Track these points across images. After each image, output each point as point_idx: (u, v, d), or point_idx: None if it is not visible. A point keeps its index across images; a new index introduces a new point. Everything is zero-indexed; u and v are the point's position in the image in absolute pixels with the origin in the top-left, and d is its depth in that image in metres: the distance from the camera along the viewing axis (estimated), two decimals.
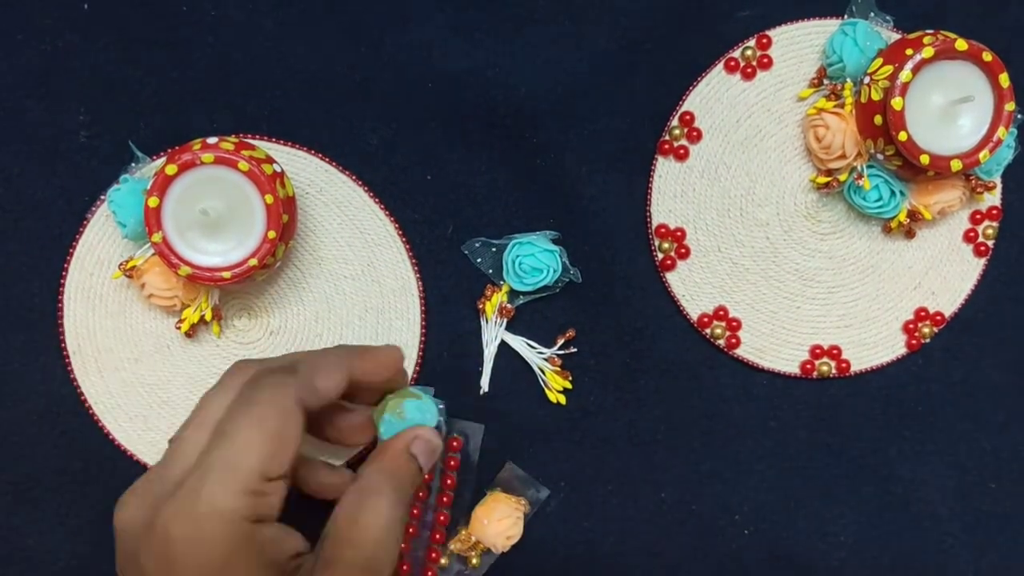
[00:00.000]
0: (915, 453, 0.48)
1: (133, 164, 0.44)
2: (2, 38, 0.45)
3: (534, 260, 0.45)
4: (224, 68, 0.45)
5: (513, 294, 0.46)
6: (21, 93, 0.45)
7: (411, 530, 0.45)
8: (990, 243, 0.47)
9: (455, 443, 0.46)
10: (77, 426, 0.45)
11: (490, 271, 0.46)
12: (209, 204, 0.40)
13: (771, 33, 0.45)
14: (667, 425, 0.47)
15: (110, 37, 0.45)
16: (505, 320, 0.46)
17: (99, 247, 0.44)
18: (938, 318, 0.47)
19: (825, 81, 0.45)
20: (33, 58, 0.45)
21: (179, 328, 0.44)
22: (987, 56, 0.42)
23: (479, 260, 0.46)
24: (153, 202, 0.40)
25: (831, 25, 0.45)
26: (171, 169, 0.40)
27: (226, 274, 0.41)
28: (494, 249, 0.46)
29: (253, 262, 0.41)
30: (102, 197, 0.44)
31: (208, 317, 0.44)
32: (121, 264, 0.43)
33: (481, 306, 0.46)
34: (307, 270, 0.45)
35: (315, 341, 0.45)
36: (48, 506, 0.45)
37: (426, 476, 0.42)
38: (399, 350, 0.40)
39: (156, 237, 0.40)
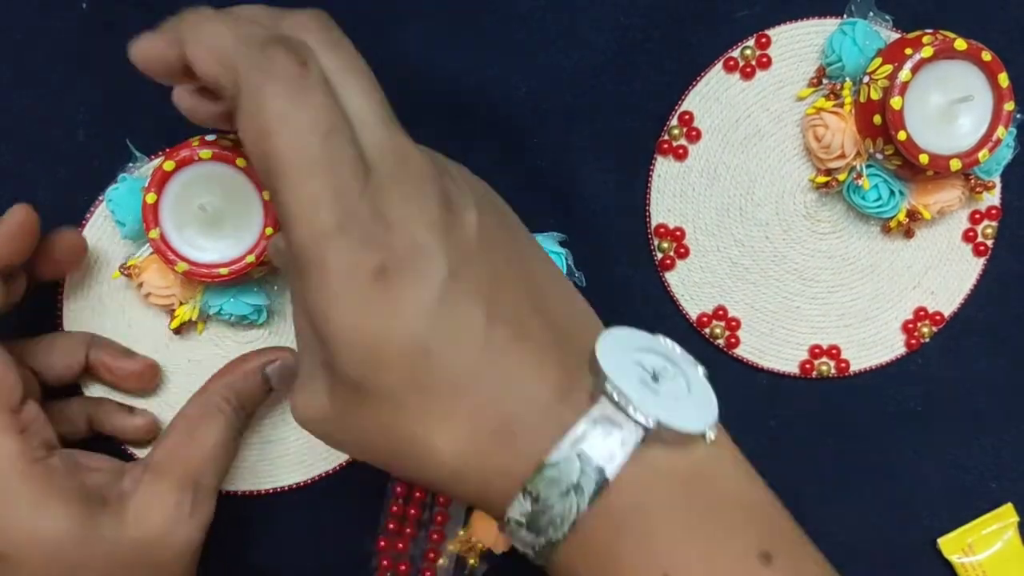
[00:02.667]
0: (914, 452, 0.48)
1: (131, 163, 0.43)
2: (1, 38, 0.44)
3: None
4: None
5: None
6: (19, 93, 0.45)
7: (409, 530, 0.45)
8: (989, 243, 0.47)
9: None
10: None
11: None
12: (207, 200, 0.40)
13: (770, 32, 0.45)
14: None
15: (109, 36, 0.45)
16: None
17: (98, 247, 0.44)
18: (937, 317, 0.47)
19: (824, 80, 0.45)
20: (31, 58, 0.45)
21: (170, 326, 0.44)
22: (986, 56, 0.42)
23: None
24: (151, 198, 0.40)
25: (830, 25, 0.45)
26: (169, 165, 0.40)
27: (223, 271, 0.41)
28: None
29: (251, 259, 0.41)
30: (101, 197, 0.44)
31: (194, 316, 0.43)
32: (121, 265, 0.43)
33: None
34: None
35: None
36: None
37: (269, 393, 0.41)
38: (24, 209, 0.38)
39: (153, 233, 0.40)
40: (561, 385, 0.29)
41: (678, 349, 0.32)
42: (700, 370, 0.32)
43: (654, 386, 0.30)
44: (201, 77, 0.30)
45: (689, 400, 0.30)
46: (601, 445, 0.28)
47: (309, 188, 0.28)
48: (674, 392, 0.30)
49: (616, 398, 0.28)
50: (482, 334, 0.29)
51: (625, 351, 0.31)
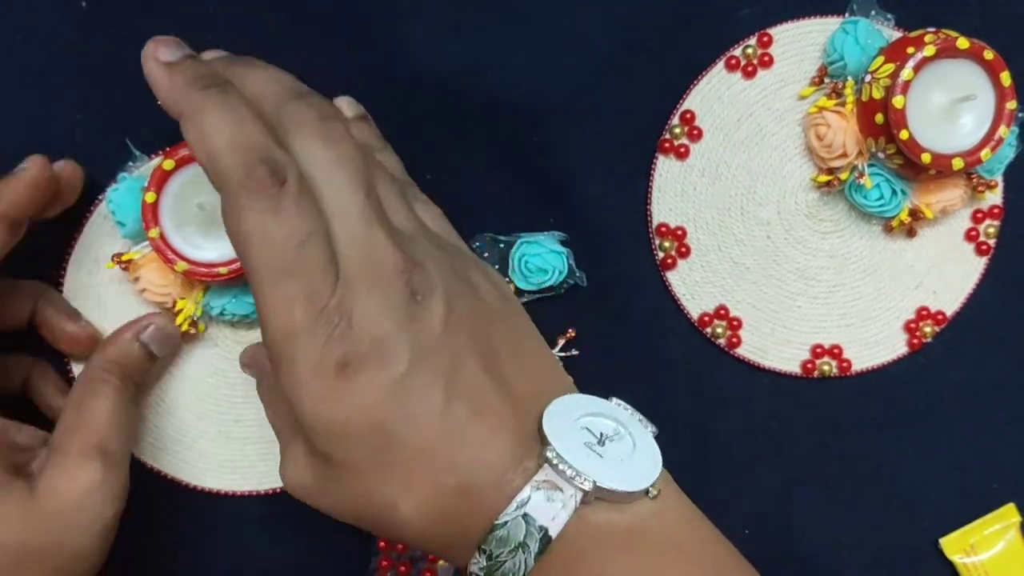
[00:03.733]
0: (916, 453, 0.48)
1: (131, 162, 0.43)
2: (0, 37, 0.44)
3: (540, 260, 0.44)
4: None
5: (517, 292, 0.46)
6: (18, 92, 0.45)
7: None
8: (991, 242, 0.47)
9: None
10: None
11: (496, 267, 0.46)
12: (206, 199, 0.40)
13: (772, 31, 0.45)
14: (667, 425, 0.47)
15: (108, 36, 0.45)
16: None
17: (97, 247, 0.44)
18: (939, 317, 0.47)
19: (826, 79, 0.45)
20: (31, 58, 0.45)
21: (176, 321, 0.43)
22: (988, 55, 0.42)
23: (485, 255, 0.46)
24: (150, 197, 0.40)
25: (832, 23, 0.45)
26: (168, 164, 0.40)
27: (223, 269, 0.41)
28: (501, 245, 0.45)
29: None
30: (100, 197, 0.44)
31: (199, 313, 0.43)
32: (115, 256, 0.43)
33: None
34: None
35: None
36: None
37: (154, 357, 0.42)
38: (41, 162, 0.40)
39: (153, 232, 0.40)
40: (514, 453, 0.32)
41: (628, 411, 0.36)
42: (649, 429, 0.36)
43: (599, 449, 0.33)
44: None
45: (632, 460, 0.34)
46: (544, 507, 0.31)
47: (280, 292, 0.31)
48: (618, 453, 0.34)
49: (557, 464, 0.31)
50: (439, 413, 0.32)
51: (574, 416, 0.34)
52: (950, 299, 0.47)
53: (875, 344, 0.47)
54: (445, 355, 0.32)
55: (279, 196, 0.31)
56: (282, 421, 0.36)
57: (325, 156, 0.33)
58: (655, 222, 0.46)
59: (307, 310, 0.31)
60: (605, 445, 0.33)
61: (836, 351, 0.47)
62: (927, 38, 0.42)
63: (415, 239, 0.35)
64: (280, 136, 0.32)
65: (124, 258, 0.43)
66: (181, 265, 0.40)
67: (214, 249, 0.41)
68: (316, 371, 0.31)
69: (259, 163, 0.31)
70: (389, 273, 0.32)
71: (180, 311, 0.43)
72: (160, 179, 0.40)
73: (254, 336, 0.45)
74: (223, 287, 0.42)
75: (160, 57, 0.33)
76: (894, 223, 0.45)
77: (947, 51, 0.42)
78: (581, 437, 0.33)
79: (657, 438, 0.47)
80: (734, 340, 0.47)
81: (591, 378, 0.46)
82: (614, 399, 0.36)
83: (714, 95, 0.46)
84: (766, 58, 0.45)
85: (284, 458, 0.35)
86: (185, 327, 0.43)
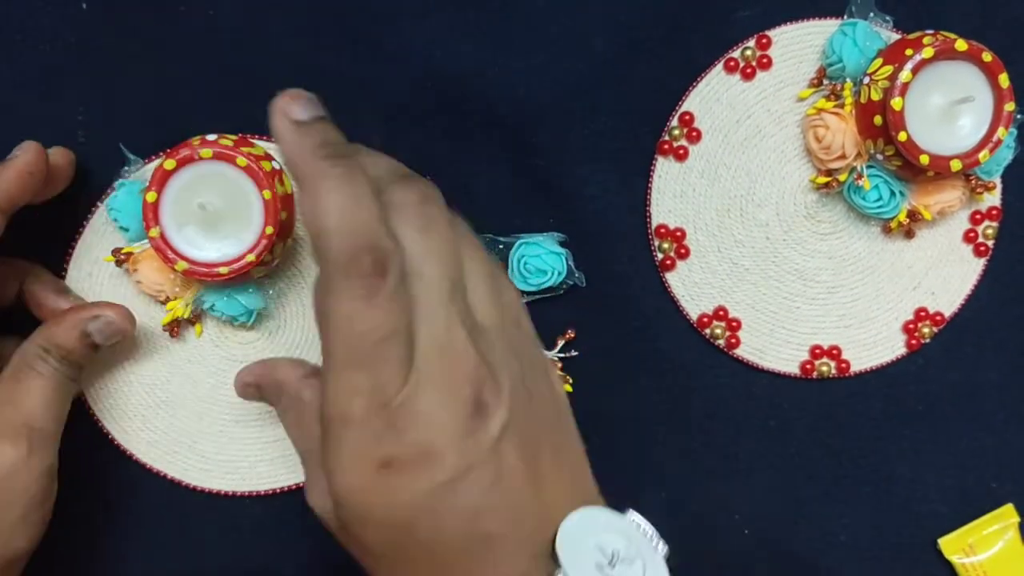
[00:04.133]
0: (915, 453, 0.48)
1: (126, 168, 0.43)
2: (1, 38, 0.44)
3: (539, 261, 0.45)
4: (223, 68, 0.45)
5: None
6: (19, 93, 0.45)
7: None
8: (990, 243, 0.47)
9: None
10: (76, 425, 0.45)
11: None
12: (207, 199, 0.40)
13: (771, 33, 0.45)
14: (667, 425, 0.47)
15: (109, 37, 0.45)
16: None
17: (97, 247, 0.44)
18: (938, 318, 0.47)
19: (825, 81, 0.45)
20: (32, 58, 0.45)
21: (162, 322, 0.43)
22: (987, 56, 0.42)
23: None
24: (151, 197, 0.40)
25: (831, 25, 0.45)
26: (169, 164, 0.40)
27: (223, 270, 0.41)
28: (500, 247, 0.46)
29: (251, 258, 0.40)
30: (102, 197, 0.44)
31: (186, 314, 0.43)
32: (115, 250, 0.43)
33: None
34: (306, 269, 0.45)
35: (314, 343, 0.45)
36: None
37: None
38: (34, 148, 0.40)
39: (153, 232, 0.40)
40: (527, 572, 0.32)
41: (643, 526, 0.35)
42: (660, 550, 0.35)
43: (609, 571, 0.33)
44: None
45: None
46: None
47: (347, 379, 0.30)
48: None
49: None
50: (467, 526, 0.31)
51: (589, 533, 0.33)
52: (948, 300, 0.47)
53: (874, 345, 0.47)
54: (489, 470, 0.32)
55: (377, 288, 0.30)
56: (307, 449, 0.35)
57: (421, 246, 0.32)
58: (654, 223, 0.46)
59: (368, 404, 0.30)
60: (616, 568, 0.33)
61: (835, 352, 0.47)
62: (925, 40, 0.42)
63: (495, 340, 0.33)
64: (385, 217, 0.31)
65: (124, 251, 0.43)
66: (181, 265, 0.40)
67: (215, 249, 0.41)
68: (358, 462, 0.31)
69: (366, 251, 0.30)
70: (460, 381, 0.31)
71: (170, 311, 0.43)
72: (161, 179, 0.40)
73: (255, 337, 0.45)
74: (221, 285, 0.42)
75: (292, 115, 0.31)
76: (893, 224, 0.45)
77: (945, 53, 0.42)
78: (593, 557, 0.33)
79: (657, 440, 0.47)
80: (733, 341, 0.47)
81: (590, 379, 0.46)
82: (630, 511, 0.35)
83: (713, 97, 0.46)
84: (765, 60, 0.45)
85: (309, 483, 0.35)
86: (170, 326, 0.44)
